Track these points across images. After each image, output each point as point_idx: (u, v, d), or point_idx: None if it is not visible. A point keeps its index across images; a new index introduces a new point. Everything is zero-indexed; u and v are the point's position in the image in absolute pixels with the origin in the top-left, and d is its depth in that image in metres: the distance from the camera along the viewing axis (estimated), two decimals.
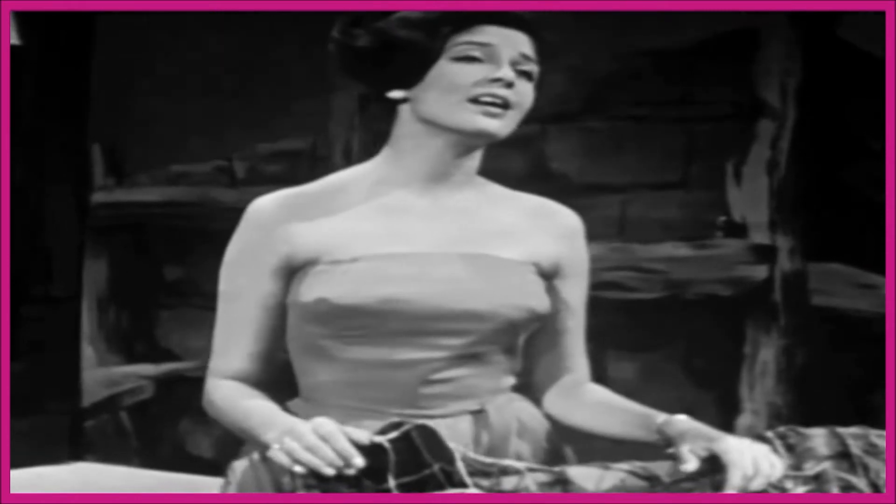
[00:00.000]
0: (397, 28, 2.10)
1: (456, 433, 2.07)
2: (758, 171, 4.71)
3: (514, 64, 2.09)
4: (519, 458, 2.11)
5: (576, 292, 2.24)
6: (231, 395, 2.13)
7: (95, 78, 5.77)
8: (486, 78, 2.07)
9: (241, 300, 2.13)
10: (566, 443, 2.23)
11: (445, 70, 2.09)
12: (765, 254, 4.71)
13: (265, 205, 2.14)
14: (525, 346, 2.21)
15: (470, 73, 2.08)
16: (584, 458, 2.03)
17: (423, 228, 2.11)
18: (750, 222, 4.73)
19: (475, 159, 2.16)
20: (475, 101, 2.07)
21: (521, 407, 2.20)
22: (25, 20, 5.51)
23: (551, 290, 2.18)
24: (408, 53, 2.09)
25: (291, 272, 2.11)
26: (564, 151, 4.93)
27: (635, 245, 4.88)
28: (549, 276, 2.19)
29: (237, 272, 2.14)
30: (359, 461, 1.83)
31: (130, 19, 5.53)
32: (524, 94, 2.11)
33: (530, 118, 2.15)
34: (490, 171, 2.23)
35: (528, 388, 2.26)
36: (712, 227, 4.78)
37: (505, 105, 2.08)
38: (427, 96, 2.10)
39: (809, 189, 4.65)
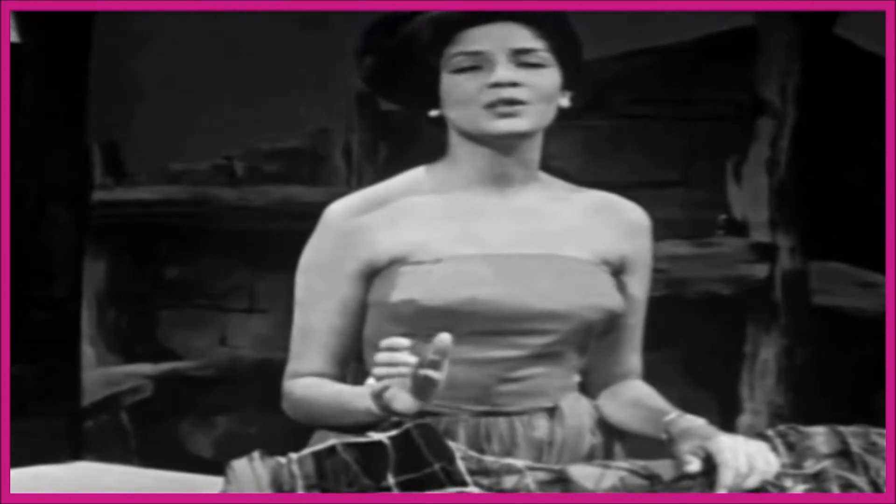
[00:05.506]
0: (395, 49, 2.13)
1: (532, 430, 2.12)
2: (758, 170, 4.71)
3: (512, 57, 2.09)
4: (592, 454, 2.15)
5: (640, 288, 2.26)
6: (315, 383, 2.16)
7: (95, 77, 5.77)
8: (485, 84, 2.08)
9: (320, 305, 2.15)
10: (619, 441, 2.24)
11: (450, 84, 2.11)
12: (765, 252, 4.70)
13: (342, 210, 2.16)
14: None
15: (470, 83, 2.09)
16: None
17: (493, 229, 2.13)
18: (750, 221, 4.73)
19: (533, 151, 2.17)
20: (490, 106, 2.08)
21: (587, 404, 2.21)
22: (25, 19, 5.51)
23: (619, 287, 2.20)
24: (411, 73, 2.13)
25: (372, 275, 2.13)
26: (565, 150, 4.91)
27: None
28: (616, 272, 2.21)
29: (316, 278, 2.16)
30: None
31: (130, 18, 5.53)
32: (536, 84, 2.10)
33: None
34: None
35: (586, 384, 2.26)
36: (713, 226, 4.78)
37: (517, 102, 2.08)
38: (450, 112, 2.13)
39: (810, 188, 4.64)
